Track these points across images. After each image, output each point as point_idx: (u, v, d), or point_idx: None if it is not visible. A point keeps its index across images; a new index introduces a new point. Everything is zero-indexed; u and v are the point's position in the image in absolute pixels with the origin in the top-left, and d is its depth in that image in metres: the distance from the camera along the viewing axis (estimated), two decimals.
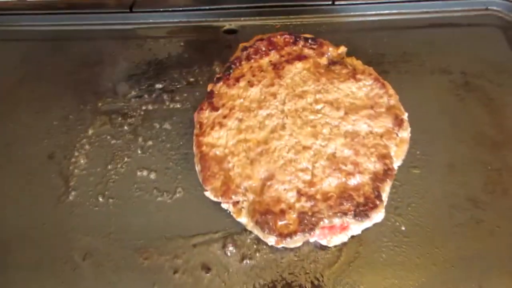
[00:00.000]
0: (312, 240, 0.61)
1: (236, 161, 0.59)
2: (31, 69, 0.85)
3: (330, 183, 0.56)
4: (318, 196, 0.55)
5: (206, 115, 0.63)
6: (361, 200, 0.55)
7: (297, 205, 0.55)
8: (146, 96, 0.77)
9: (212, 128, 0.61)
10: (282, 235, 0.54)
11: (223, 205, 0.62)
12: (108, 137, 0.72)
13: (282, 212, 0.55)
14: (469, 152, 0.67)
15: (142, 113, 0.75)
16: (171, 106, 0.75)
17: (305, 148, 0.58)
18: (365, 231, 0.60)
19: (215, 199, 0.59)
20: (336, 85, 0.62)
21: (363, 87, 0.62)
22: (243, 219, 0.59)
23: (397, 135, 0.59)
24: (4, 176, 0.69)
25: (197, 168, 0.61)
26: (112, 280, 0.57)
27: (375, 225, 0.59)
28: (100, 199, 0.65)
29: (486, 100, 0.74)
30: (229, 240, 0.60)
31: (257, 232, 0.58)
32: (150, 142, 0.71)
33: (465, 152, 0.67)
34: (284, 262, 0.58)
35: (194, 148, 0.62)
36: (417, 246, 0.59)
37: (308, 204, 0.55)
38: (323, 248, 0.60)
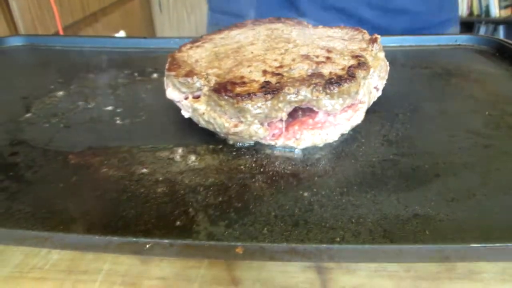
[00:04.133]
0: (278, 143, 0.50)
1: (205, 58, 0.56)
2: None
3: (300, 68, 0.51)
4: (286, 74, 0.50)
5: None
6: (333, 76, 0.49)
7: (262, 79, 0.49)
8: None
9: (188, 49, 0.61)
10: (239, 96, 0.46)
11: (183, 112, 0.55)
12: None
13: (243, 82, 0.49)
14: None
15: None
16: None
17: (277, 48, 0.56)
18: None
19: (174, 86, 0.53)
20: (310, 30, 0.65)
21: (339, 32, 0.64)
22: (201, 106, 0.51)
23: (371, 50, 0.56)
24: None
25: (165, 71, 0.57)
26: None
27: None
28: (53, 120, 0.60)
29: None
30: (186, 150, 0.52)
31: (213, 117, 0.50)
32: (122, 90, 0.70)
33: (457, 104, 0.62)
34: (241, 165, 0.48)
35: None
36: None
37: (274, 79, 0.49)
38: (290, 151, 0.50)
